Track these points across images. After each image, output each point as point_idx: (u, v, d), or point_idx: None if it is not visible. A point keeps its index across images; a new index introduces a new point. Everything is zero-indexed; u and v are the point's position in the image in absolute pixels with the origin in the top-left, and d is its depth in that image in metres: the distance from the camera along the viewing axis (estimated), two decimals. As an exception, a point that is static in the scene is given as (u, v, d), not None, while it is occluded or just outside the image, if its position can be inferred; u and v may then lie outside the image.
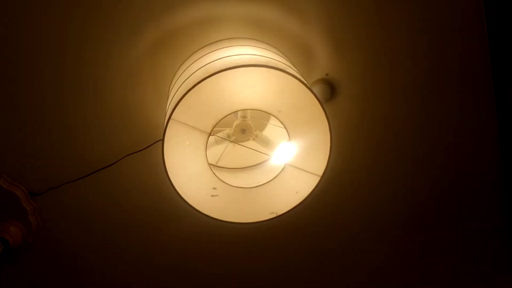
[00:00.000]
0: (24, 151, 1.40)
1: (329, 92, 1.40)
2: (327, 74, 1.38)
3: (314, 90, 1.12)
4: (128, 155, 1.40)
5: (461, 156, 1.54)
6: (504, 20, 1.36)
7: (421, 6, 1.31)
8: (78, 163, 1.43)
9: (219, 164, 1.33)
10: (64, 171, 1.44)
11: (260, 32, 1.30)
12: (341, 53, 1.35)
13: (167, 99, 1.28)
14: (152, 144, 1.36)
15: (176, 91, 1.12)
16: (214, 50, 1.20)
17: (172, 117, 1.06)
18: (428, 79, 1.40)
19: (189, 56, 1.29)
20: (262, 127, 1.36)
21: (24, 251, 1.54)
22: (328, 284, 1.79)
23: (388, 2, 1.29)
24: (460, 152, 1.53)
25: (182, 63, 1.28)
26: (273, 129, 1.35)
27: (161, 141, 1.33)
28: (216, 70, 1.02)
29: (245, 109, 1.15)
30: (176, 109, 1.05)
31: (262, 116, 1.31)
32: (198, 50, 1.29)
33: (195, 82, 1.02)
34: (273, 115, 1.11)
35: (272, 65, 1.04)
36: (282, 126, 1.15)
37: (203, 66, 1.10)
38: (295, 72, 1.08)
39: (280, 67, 1.04)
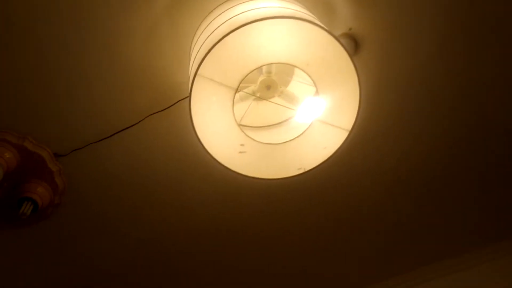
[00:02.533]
0: (48, 113, 1.40)
1: (353, 47, 1.36)
2: (350, 29, 1.34)
3: (339, 43, 1.09)
4: (152, 114, 1.39)
5: (490, 109, 1.50)
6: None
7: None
8: (101, 124, 1.43)
9: (243, 123, 1.32)
10: (88, 132, 1.44)
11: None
12: (364, 7, 1.30)
13: (190, 56, 1.26)
14: (176, 102, 1.35)
15: (200, 47, 1.10)
16: (237, 4, 1.17)
17: (198, 72, 1.04)
18: (454, 33, 1.36)
19: (211, 12, 1.25)
20: (286, 83, 1.34)
21: (51, 211, 1.57)
22: (356, 239, 1.80)
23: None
24: (490, 104, 1.49)
25: (204, 19, 1.25)
26: (297, 86, 1.33)
27: (185, 100, 1.34)
28: (242, 23, 0.99)
29: (271, 63, 1.13)
30: (202, 64, 1.03)
31: (287, 72, 1.29)
32: (219, 5, 1.25)
33: (221, 36, 1.00)
34: (300, 69, 1.08)
35: (298, 16, 1.01)
36: (308, 81, 1.13)
37: (227, 20, 1.07)
38: (322, 24, 1.04)
39: (307, 19, 1.01)
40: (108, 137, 1.44)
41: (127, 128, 1.42)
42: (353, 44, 1.36)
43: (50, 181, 1.48)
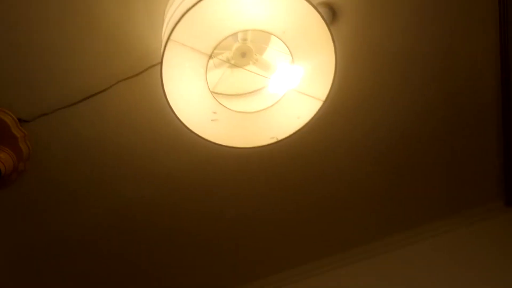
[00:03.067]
0: (11, 76, 1.34)
1: (330, 16, 1.35)
2: (328, -4, 1.33)
3: (316, 12, 1.07)
4: (122, 80, 1.35)
5: (459, 79, 1.52)
6: None
7: None
8: (69, 89, 1.38)
9: (217, 90, 1.29)
10: (55, 98, 1.39)
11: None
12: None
13: (163, 22, 1.22)
14: (148, 68, 1.31)
15: (175, 11, 1.06)
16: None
17: (171, 37, 1.01)
18: (429, 4, 1.36)
19: (185, -25, 1.21)
20: (262, 52, 1.31)
21: (15, 177, 1.52)
22: (328, 207, 1.81)
23: None
24: (459, 75, 1.51)
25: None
26: (273, 54, 1.31)
27: (157, 66, 1.30)
28: (218, -13, 0.96)
29: (247, 30, 1.10)
30: (175, 29, 1.00)
31: (263, 40, 1.26)
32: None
33: (195, 1, 0.97)
34: (277, 37, 1.06)
35: (276, -18, 0.98)
36: (283, 50, 1.11)
37: (203, -17, 1.03)
38: (300, -10, 1.02)
39: (285, -15, 0.99)
40: (76, 103, 1.39)
41: (96, 94, 1.37)
42: (331, 13, 1.34)
43: (14, 147, 1.43)
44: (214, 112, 1.15)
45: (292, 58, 1.10)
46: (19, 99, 1.38)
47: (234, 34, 1.13)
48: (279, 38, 1.06)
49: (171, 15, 1.08)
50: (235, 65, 1.21)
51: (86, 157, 1.53)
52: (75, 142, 1.49)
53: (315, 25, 1.04)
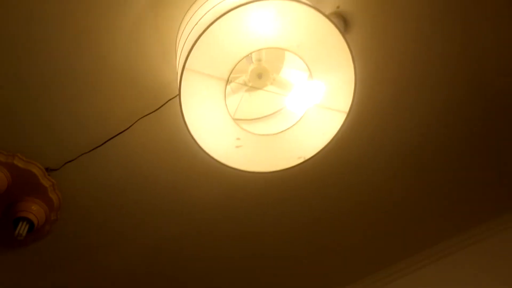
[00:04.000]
0: (35, 127, 1.36)
1: (342, 26, 1.32)
2: (338, 7, 1.30)
3: (328, 23, 1.04)
4: (142, 117, 1.35)
5: (482, 77, 1.46)
6: None
7: None
8: (91, 133, 1.39)
9: (236, 116, 1.27)
10: (78, 143, 1.40)
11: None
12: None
13: (176, 52, 1.21)
14: (166, 102, 1.31)
15: (186, 40, 1.05)
16: (220, -8, 1.13)
17: (186, 66, 1.00)
18: (449, 7, 1.32)
19: (193, 3, 1.21)
20: (278, 70, 1.29)
21: (48, 229, 1.52)
22: (358, 219, 1.75)
23: None
24: (480, 80, 1.46)
25: (187, 12, 1.20)
26: (289, 72, 1.28)
27: (175, 99, 1.29)
28: (227, 10, 0.95)
29: (261, 49, 1.08)
30: (189, 57, 0.99)
31: (277, 59, 1.24)
32: (201, -5, 1.21)
33: (206, 26, 0.96)
34: (292, 52, 1.04)
35: (285, -3, 0.97)
36: (300, 66, 1.09)
37: (211, 8, 1.03)
38: (310, 2, 1.00)
39: (295, -1, 0.97)
40: (99, 146, 1.39)
41: (118, 134, 1.37)
42: (342, 22, 1.32)
43: (44, 197, 1.44)
44: (238, 139, 1.12)
45: (310, 72, 1.07)
46: (45, 148, 1.40)
47: (248, 56, 1.11)
48: (294, 53, 1.04)
49: (183, 44, 1.08)
50: (253, 87, 1.19)
51: (115, 198, 1.53)
52: (102, 184, 1.49)
53: (330, 36, 1.02)
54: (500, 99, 1.50)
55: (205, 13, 1.02)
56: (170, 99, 1.31)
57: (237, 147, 1.14)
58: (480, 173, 1.64)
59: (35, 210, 1.43)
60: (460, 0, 1.31)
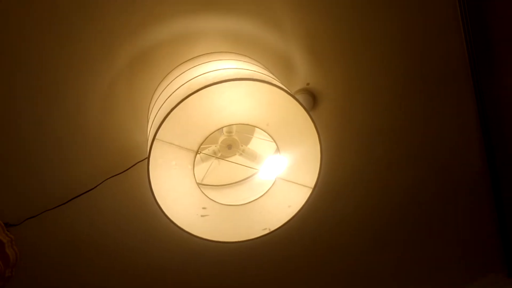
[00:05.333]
0: (-3, 181, 1.33)
1: (311, 102, 1.39)
2: (308, 84, 1.37)
3: (297, 100, 1.09)
4: (109, 178, 1.34)
5: (445, 155, 1.54)
6: (480, 20, 1.37)
7: (397, 14, 1.33)
8: (56, 189, 1.37)
9: (204, 182, 1.29)
10: (42, 199, 1.37)
11: (239, 46, 1.28)
12: (320, 62, 1.34)
13: (148, 118, 1.24)
14: (134, 165, 1.31)
15: (158, 110, 1.08)
16: (195, 66, 1.17)
17: (157, 137, 1.01)
18: (407, 83, 1.41)
19: (168, 73, 1.25)
20: (247, 141, 1.33)
21: (2, 285, 1.46)
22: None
23: (363, 12, 1.30)
24: (444, 151, 1.54)
25: (161, 81, 1.24)
26: (258, 143, 1.32)
27: (143, 161, 1.31)
28: (200, 86, 0.98)
29: (231, 124, 1.11)
30: (161, 128, 1.00)
31: (247, 130, 1.28)
32: (177, 66, 1.25)
33: (179, 100, 0.98)
34: (261, 129, 1.07)
35: (257, 77, 1.01)
36: (268, 139, 1.12)
37: (186, 82, 1.06)
38: (281, 84, 1.05)
39: (266, 80, 1.01)
40: (64, 203, 1.37)
41: (84, 193, 1.36)
42: (311, 99, 1.38)
43: (0, 253, 1.39)
44: (204, 208, 1.13)
45: (278, 147, 1.11)
46: (6, 203, 1.36)
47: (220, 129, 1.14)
48: (263, 131, 1.08)
49: (156, 112, 1.10)
50: (222, 158, 1.22)
51: (75, 256, 1.49)
52: (64, 243, 1.45)
53: (297, 114, 1.06)
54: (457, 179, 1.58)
55: (180, 86, 1.06)
56: (139, 162, 1.32)
57: (202, 216, 1.15)
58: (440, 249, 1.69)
59: (-12, 267, 1.38)
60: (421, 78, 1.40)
